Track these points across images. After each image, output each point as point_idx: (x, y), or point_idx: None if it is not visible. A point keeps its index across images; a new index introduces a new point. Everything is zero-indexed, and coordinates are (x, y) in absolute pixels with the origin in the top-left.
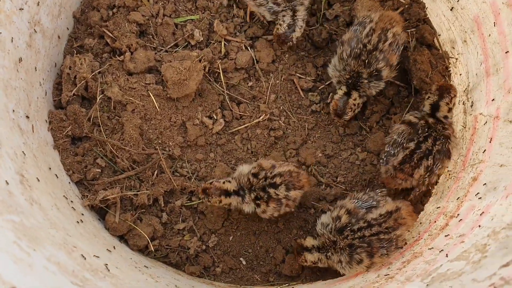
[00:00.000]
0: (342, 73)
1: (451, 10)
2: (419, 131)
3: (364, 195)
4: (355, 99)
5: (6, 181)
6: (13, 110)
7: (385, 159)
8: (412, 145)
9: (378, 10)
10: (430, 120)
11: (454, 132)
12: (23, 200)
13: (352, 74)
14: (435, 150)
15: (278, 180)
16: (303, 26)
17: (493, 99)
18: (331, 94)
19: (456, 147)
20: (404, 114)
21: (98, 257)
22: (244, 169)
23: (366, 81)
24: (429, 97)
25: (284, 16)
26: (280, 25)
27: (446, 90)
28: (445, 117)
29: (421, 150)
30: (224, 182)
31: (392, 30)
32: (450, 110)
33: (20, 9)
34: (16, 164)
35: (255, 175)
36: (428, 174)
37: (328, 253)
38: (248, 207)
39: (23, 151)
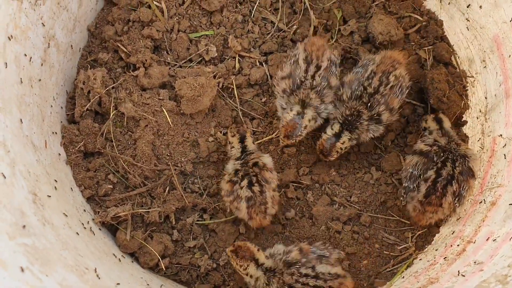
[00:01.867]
0: (341, 110)
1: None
2: (435, 158)
3: (322, 245)
4: (343, 143)
5: (19, 202)
6: (27, 127)
7: (405, 196)
8: (432, 173)
9: (395, 27)
10: (443, 141)
11: (466, 144)
12: (35, 221)
13: (352, 112)
14: (457, 173)
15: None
16: (308, 125)
17: None
18: (324, 131)
19: (476, 161)
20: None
21: (109, 277)
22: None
23: (366, 122)
24: (426, 119)
25: (293, 106)
26: (288, 113)
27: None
28: (451, 128)
29: (442, 178)
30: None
31: (394, 72)
32: (449, 122)
33: (35, 24)
34: (29, 183)
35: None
36: (457, 199)
37: (271, 279)
38: None
39: (36, 169)
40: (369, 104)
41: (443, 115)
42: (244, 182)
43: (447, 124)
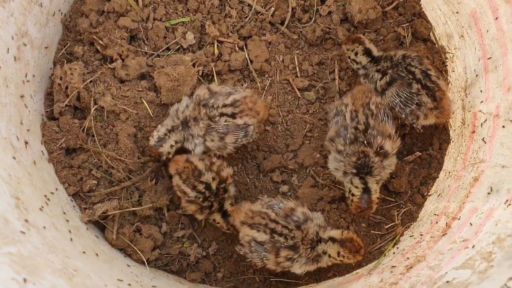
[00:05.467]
0: (347, 160)
1: None
2: (402, 74)
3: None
4: (376, 191)
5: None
6: (5, 128)
7: (416, 120)
8: (415, 84)
9: (373, 5)
10: (386, 63)
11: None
12: (19, 226)
13: (359, 156)
14: (419, 66)
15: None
16: (174, 146)
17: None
18: (348, 188)
19: (407, 49)
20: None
21: (98, 276)
22: None
23: (377, 159)
24: (356, 52)
25: (158, 130)
26: (152, 136)
27: (356, 37)
28: (377, 50)
29: (422, 78)
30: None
31: (372, 101)
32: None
33: (6, 22)
34: (11, 187)
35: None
36: (442, 76)
37: None
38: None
39: (17, 171)
40: (366, 142)
41: (368, 43)
42: None
43: (375, 51)
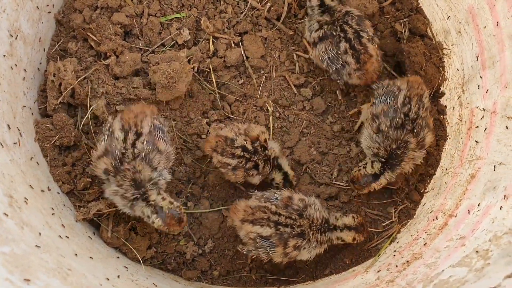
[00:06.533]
0: (385, 144)
1: None
2: (334, 33)
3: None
4: (380, 184)
5: None
6: None
7: (342, 77)
8: (343, 44)
9: (370, 1)
10: (327, 17)
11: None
12: (13, 225)
13: (399, 144)
14: (356, 27)
15: None
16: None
17: (487, 90)
18: (366, 162)
19: (358, 12)
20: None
21: (93, 275)
22: None
23: (412, 152)
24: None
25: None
26: (152, 219)
27: None
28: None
29: (352, 38)
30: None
31: (424, 95)
32: None
33: None
34: (4, 185)
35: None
36: (372, 40)
37: None
38: None
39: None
40: (415, 131)
41: None
42: None
43: (328, 0)
